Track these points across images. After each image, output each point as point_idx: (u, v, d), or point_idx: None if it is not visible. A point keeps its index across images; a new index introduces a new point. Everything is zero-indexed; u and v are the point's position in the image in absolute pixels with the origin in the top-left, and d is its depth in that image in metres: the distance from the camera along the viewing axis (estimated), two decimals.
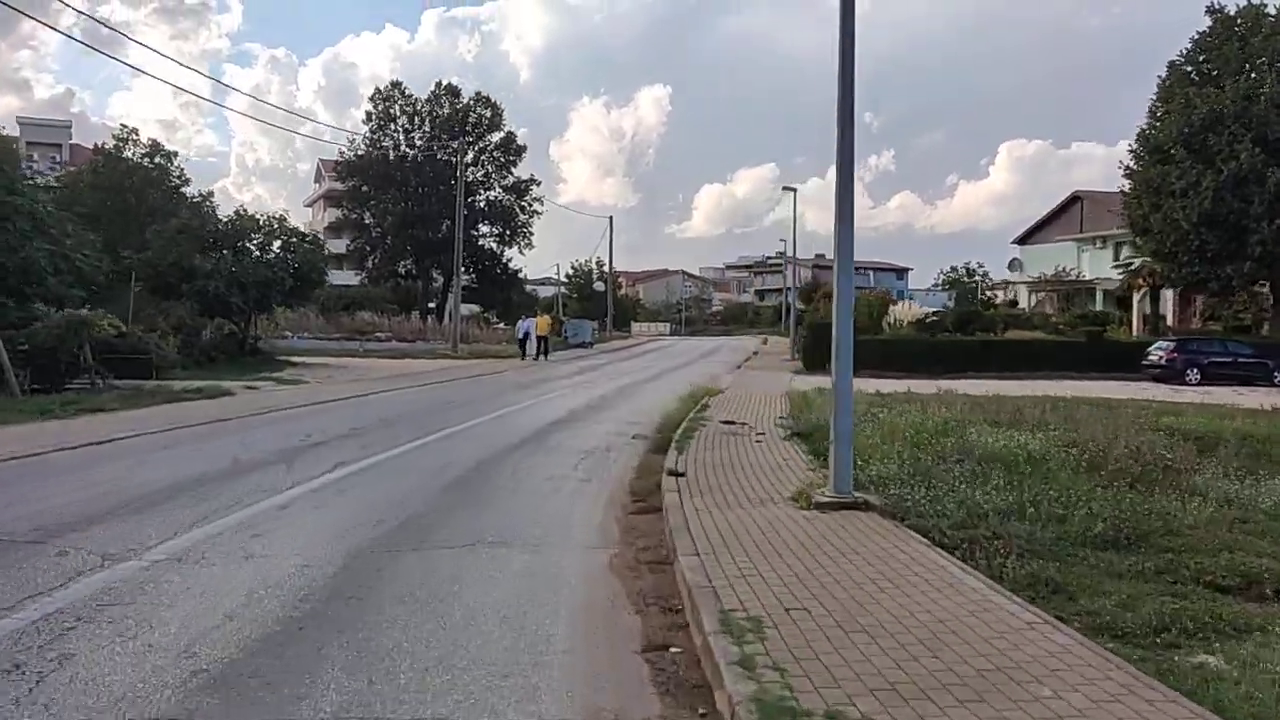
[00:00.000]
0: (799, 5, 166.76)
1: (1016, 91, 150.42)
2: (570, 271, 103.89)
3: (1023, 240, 58.91)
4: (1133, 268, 35.34)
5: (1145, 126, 30.69)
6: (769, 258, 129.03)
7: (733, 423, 15.82)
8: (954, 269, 68.68)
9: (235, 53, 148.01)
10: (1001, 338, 33.77)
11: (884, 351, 30.76)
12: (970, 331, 36.90)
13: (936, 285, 73.39)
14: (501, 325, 51.18)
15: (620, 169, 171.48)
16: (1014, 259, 59.10)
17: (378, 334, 41.48)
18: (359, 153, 50.56)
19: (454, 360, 35.03)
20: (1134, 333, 39.33)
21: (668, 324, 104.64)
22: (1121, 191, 31.92)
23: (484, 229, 51.39)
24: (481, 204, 50.90)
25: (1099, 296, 49.34)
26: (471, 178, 50.64)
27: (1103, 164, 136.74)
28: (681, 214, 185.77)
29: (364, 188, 50.89)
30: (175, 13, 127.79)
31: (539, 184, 51.37)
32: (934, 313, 35.93)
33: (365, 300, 49.03)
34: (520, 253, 51.88)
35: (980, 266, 65.91)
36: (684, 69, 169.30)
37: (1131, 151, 31.20)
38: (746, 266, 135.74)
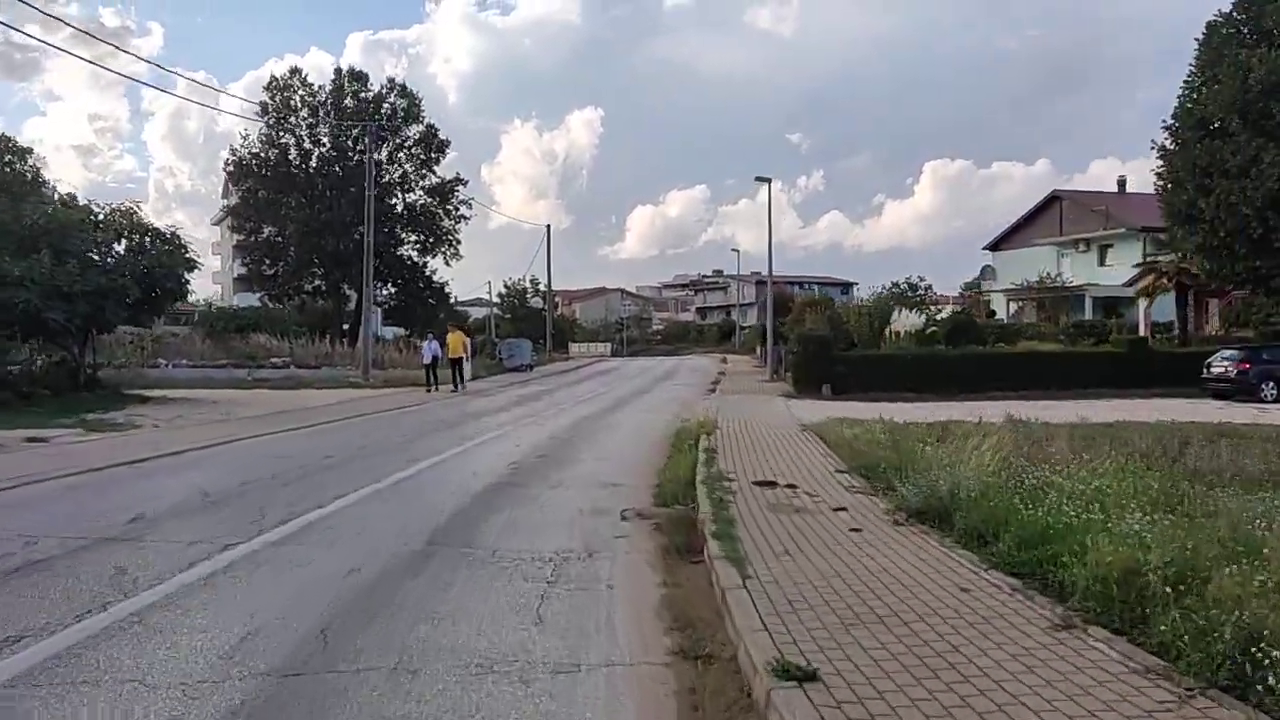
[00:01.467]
0: (725, 29, 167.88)
1: (939, 113, 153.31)
2: (503, 290, 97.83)
3: (995, 246, 54.81)
4: (1157, 266, 30.69)
5: (1184, 99, 26.09)
6: (704, 276, 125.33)
7: (773, 484, 10.01)
8: (895, 284, 64.80)
9: (155, 76, 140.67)
10: (1025, 350, 28.76)
11: (891, 368, 25.46)
12: (960, 344, 32.05)
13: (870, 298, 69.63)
14: None
15: (553, 191, 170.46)
16: (986, 266, 54.96)
17: (273, 360, 34.61)
18: (253, 151, 43.68)
19: (362, 391, 28.53)
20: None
21: (608, 344, 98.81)
22: (1156, 176, 27.22)
23: (405, 237, 44.83)
24: (399, 208, 44.42)
25: (1088, 304, 45.15)
26: (387, 178, 44.19)
27: (1022, 183, 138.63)
28: (615, 235, 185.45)
29: (260, 192, 43.94)
30: (94, 37, 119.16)
31: (465, 183, 45.30)
32: (933, 323, 30.86)
33: (266, 322, 41.94)
34: (447, 263, 45.65)
35: (923, 280, 62.54)
36: (614, 91, 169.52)
37: (1166, 128, 26.57)
38: (683, 285, 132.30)
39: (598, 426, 18.53)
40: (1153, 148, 26.99)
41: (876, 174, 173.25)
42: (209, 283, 78.74)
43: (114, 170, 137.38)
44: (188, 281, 24.26)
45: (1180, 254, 29.62)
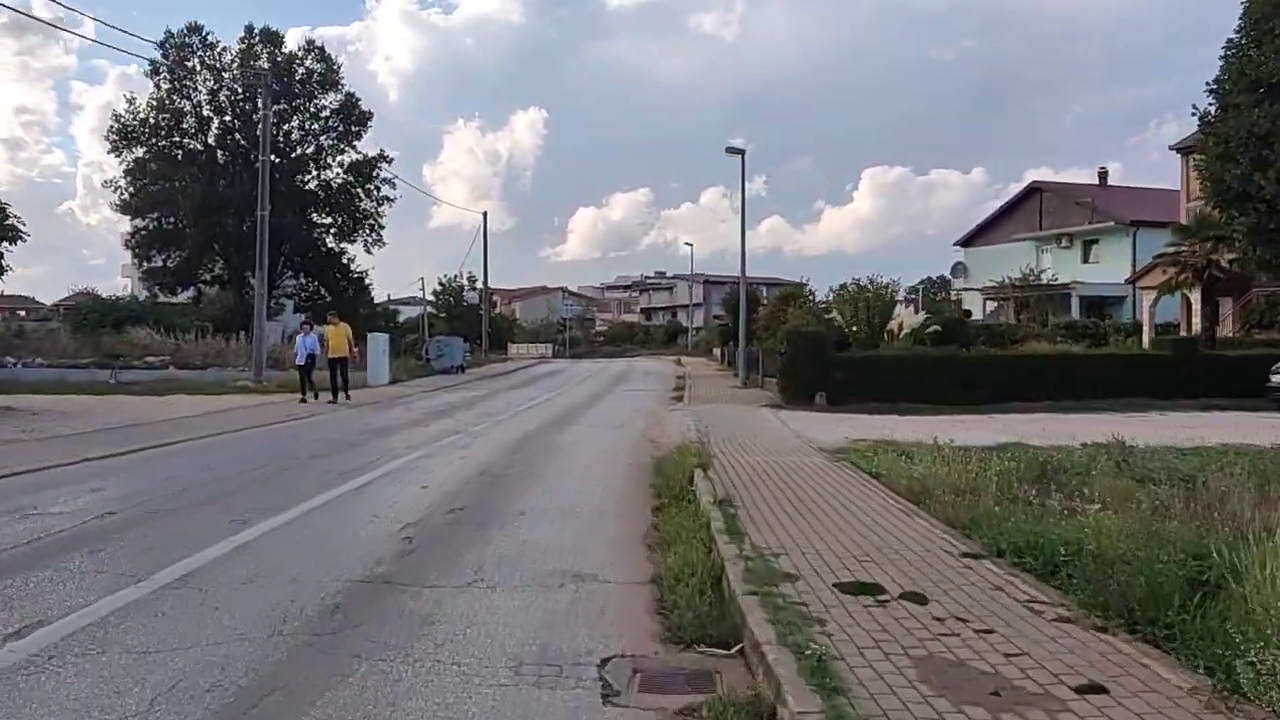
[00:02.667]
0: (669, 32, 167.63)
1: (878, 120, 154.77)
2: (438, 288, 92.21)
3: (967, 242, 51.32)
4: (1180, 258, 26.96)
5: (1230, 60, 22.29)
6: (648, 277, 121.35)
7: (875, 592, 5.28)
8: (844, 285, 61.25)
9: (83, 69, 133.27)
10: (1056, 354, 24.65)
11: (896, 373, 21.05)
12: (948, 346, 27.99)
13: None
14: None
15: (496, 192, 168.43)
16: (957, 264, 51.43)
17: (149, 358, 28.88)
18: (140, 117, 37.55)
19: (248, 397, 23.13)
20: (1144, 343, 31.30)
21: (549, 345, 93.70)
22: (1196, 150, 23.35)
23: (319, 220, 39.15)
24: (313, 186, 38.78)
25: (1074, 302, 41.68)
26: (298, 152, 38.59)
27: (960, 190, 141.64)
28: (557, 237, 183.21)
29: (151, 164, 37.87)
30: (24, 28, 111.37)
31: (390, 161, 39.83)
32: (932, 321, 26.64)
33: (152, 315, 35.90)
34: (368, 250, 40.13)
35: (878, 277, 59.02)
36: (558, 93, 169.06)
37: (1210, 90, 22.74)
38: (626, 287, 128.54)
39: (544, 451, 13.69)
40: (1193, 114, 23.16)
41: (817, 179, 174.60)
42: (119, 278, 71.99)
43: (41, 165, 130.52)
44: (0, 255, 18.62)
45: (1209, 242, 25.87)
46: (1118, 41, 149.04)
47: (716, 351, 46.82)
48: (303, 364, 21.88)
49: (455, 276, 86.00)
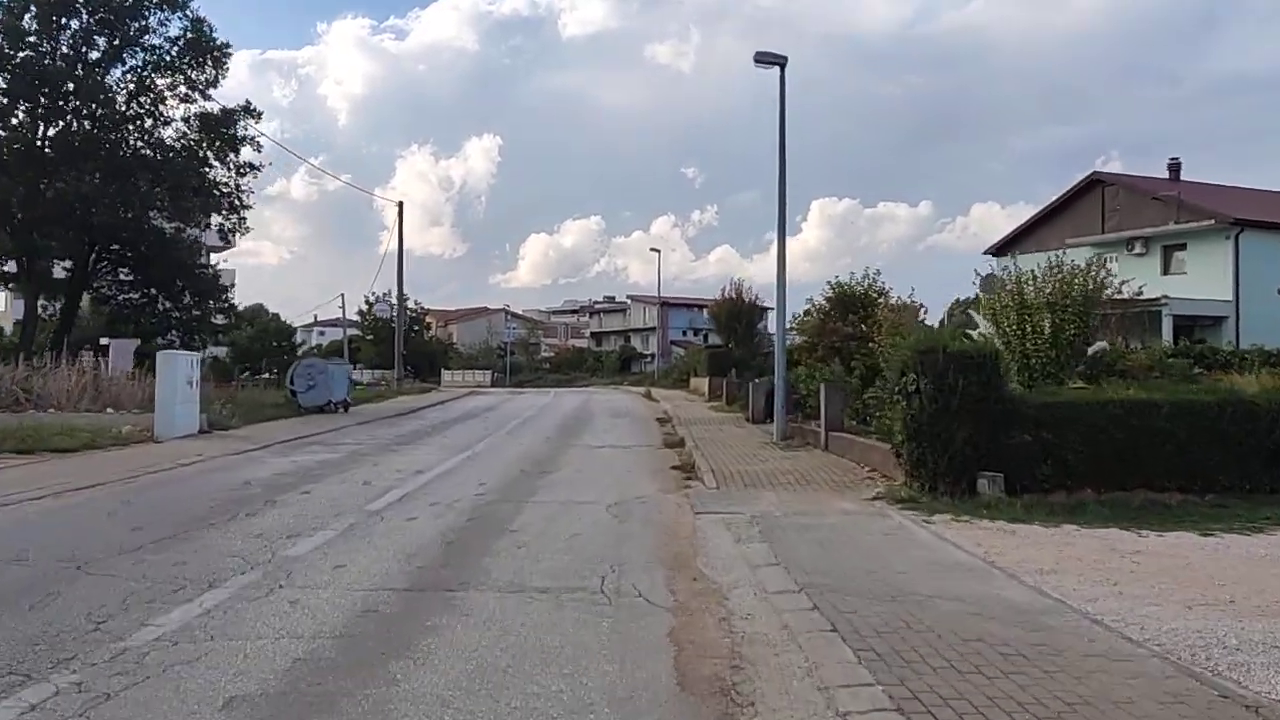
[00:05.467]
0: (618, 64, 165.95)
1: (827, 153, 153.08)
2: (364, 307, 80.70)
3: (1001, 250, 41.67)
4: None
5: None
6: (597, 303, 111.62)
7: None
8: (990, 275, 51.29)
9: None
10: None
11: (1140, 432, 10.63)
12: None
13: (790, 327, 56.27)
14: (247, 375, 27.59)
15: (449, 218, 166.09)
16: (987, 275, 41.60)
17: None
18: None
19: None
20: None
21: (488, 371, 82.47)
22: None
23: (154, 196, 27.54)
24: (142, 147, 27.37)
25: (1165, 323, 32.08)
26: (126, 107, 27.28)
27: (906, 223, 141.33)
28: (508, 263, 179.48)
29: None
30: None
31: (258, 116, 28.54)
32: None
33: None
34: (226, 240, 28.78)
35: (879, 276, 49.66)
36: (512, 120, 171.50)
37: None
38: (574, 311, 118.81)
39: None
40: None
41: (766, 210, 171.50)
42: None
43: None
44: None
45: None
46: (1057, 80, 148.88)
47: (700, 382, 36.31)
48: None
49: (384, 294, 74.52)
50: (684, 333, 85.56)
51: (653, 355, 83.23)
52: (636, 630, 5.48)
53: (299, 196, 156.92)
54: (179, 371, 16.81)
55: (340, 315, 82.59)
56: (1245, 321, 32.22)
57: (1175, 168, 38.72)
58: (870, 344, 13.90)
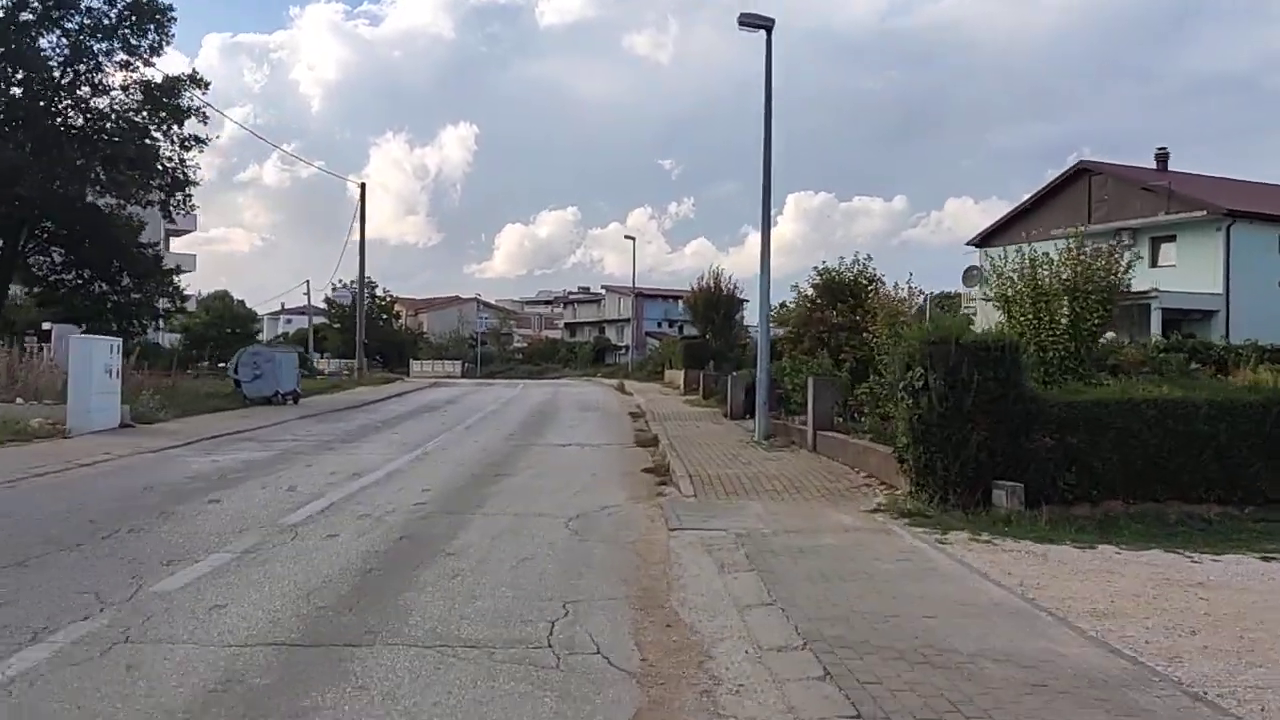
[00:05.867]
0: (596, 54, 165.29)
1: (804, 146, 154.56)
2: (330, 294, 78.58)
3: (983, 241, 40.72)
4: None
5: None
6: (571, 293, 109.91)
7: None
8: (784, 305, 50.02)
9: None
10: None
11: (1173, 435, 9.34)
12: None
13: (770, 320, 54.66)
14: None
15: (424, 207, 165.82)
16: (970, 268, 40.45)
17: None
18: None
19: None
20: None
21: (459, 362, 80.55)
22: None
23: (92, 171, 25.51)
24: (75, 116, 25.32)
25: (1154, 316, 31.12)
26: (60, 73, 25.27)
27: (881, 217, 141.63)
28: (483, 253, 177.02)
29: None
30: None
31: (206, 86, 26.65)
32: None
33: None
34: (169, 217, 26.83)
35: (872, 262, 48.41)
36: (489, 108, 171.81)
37: None
38: (548, 302, 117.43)
39: None
40: None
41: (743, 203, 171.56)
42: None
43: None
44: None
45: None
46: (1036, 77, 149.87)
47: (676, 375, 34.85)
48: None
49: (351, 282, 72.60)
50: (659, 324, 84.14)
51: (627, 347, 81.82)
52: (590, 714, 4.02)
53: (271, 183, 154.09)
54: (96, 359, 15.06)
55: (308, 302, 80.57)
56: (1235, 316, 31.31)
57: (1163, 158, 37.85)
58: (864, 334, 12.48)
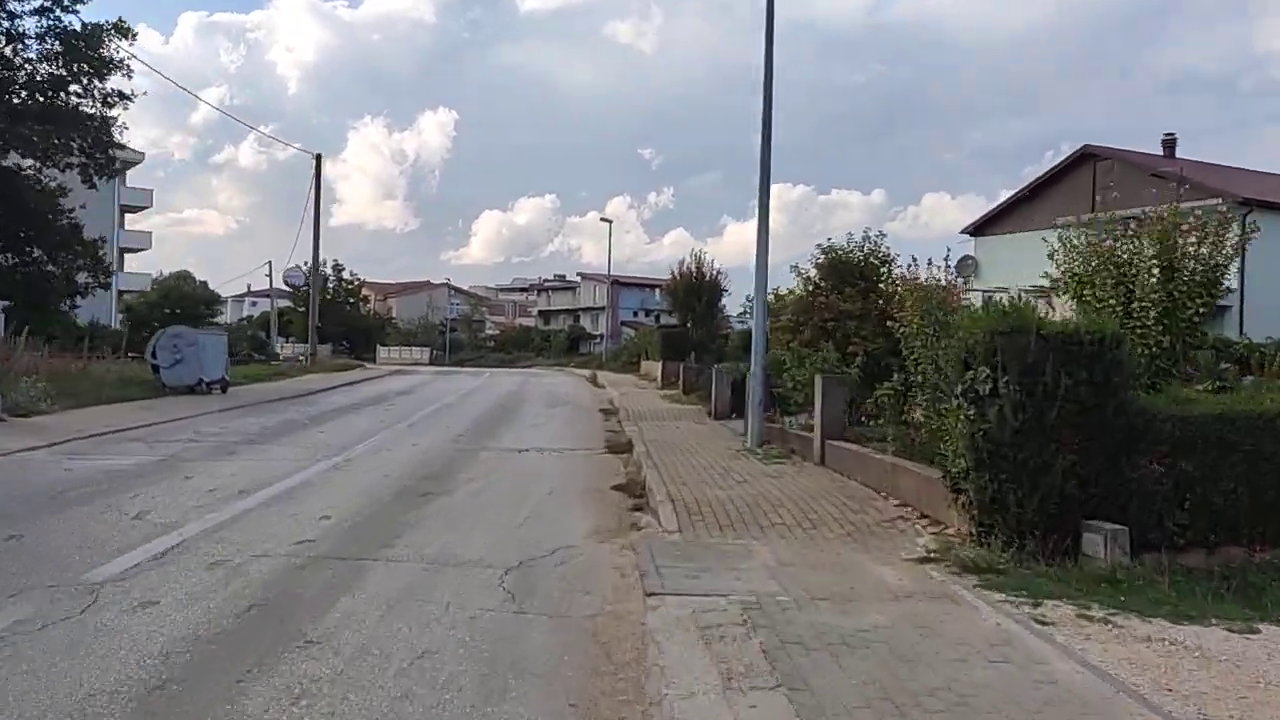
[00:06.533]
0: (578, 41, 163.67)
1: (785, 138, 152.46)
2: (285, 275, 75.48)
3: (980, 229, 38.72)
4: None
5: None
6: (547, 280, 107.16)
7: None
8: (779, 292, 47.73)
9: None
10: None
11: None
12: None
13: (744, 310, 52.69)
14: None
15: (402, 192, 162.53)
16: (965, 258, 38.45)
17: None
18: None
19: None
20: None
21: (427, 349, 77.66)
22: None
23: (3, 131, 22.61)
24: None
25: None
26: None
27: (859, 210, 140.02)
28: (460, 240, 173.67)
29: None
30: None
31: (134, 36, 23.60)
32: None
33: None
34: (91, 183, 23.94)
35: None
36: (469, 94, 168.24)
37: None
38: (523, 289, 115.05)
39: None
40: None
41: (723, 194, 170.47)
42: None
43: None
44: None
45: None
46: (1017, 74, 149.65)
47: (653, 366, 32.33)
48: None
49: (322, 263, 69.71)
50: (635, 314, 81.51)
51: (602, 336, 79.28)
52: None
53: (248, 165, 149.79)
54: None
55: (270, 285, 77.15)
56: (1250, 311, 29.34)
57: (1170, 144, 35.85)
58: (889, 322, 10.09)
